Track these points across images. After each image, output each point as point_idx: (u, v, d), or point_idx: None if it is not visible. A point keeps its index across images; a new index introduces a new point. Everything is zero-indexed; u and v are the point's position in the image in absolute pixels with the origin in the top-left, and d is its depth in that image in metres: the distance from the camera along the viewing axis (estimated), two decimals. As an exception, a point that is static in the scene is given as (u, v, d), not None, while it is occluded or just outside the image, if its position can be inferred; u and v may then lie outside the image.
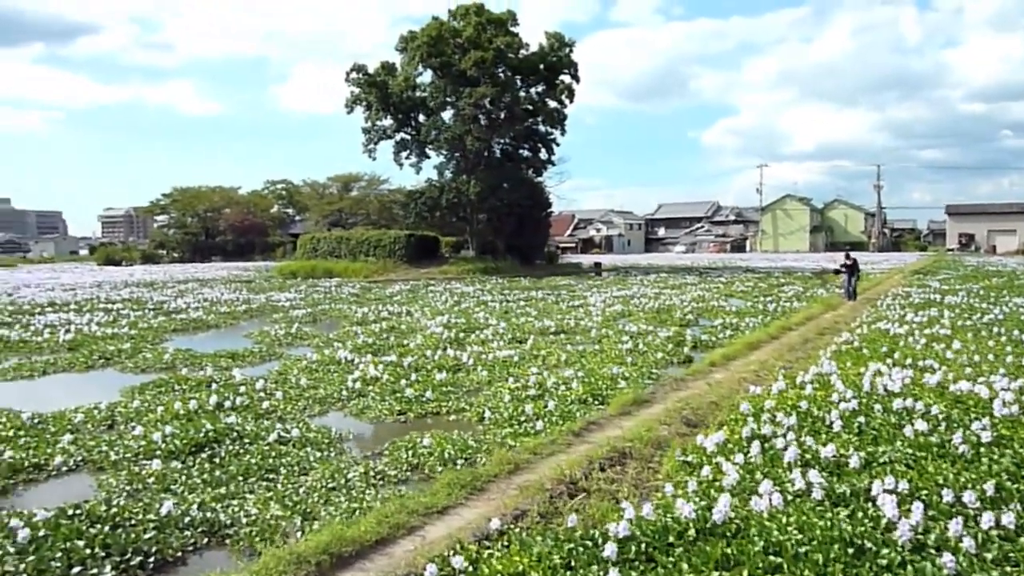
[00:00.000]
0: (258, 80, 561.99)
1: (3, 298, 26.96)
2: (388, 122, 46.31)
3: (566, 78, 46.06)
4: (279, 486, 6.23)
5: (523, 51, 44.64)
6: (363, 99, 45.25)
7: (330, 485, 6.25)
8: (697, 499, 5.42)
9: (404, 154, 46.43)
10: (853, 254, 23.82)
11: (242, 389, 9.72)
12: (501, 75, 43.14)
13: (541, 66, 45.04)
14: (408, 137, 46.59)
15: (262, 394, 9.56)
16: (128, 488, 6.27)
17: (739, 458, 6.30)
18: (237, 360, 12.95)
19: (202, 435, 7.27)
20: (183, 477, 6.42)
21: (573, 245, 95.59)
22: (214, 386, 10.13)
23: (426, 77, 46.22)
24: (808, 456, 6.36)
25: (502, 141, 44.99)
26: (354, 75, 45.17)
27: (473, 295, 26.05)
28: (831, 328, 15.67)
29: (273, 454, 6.98)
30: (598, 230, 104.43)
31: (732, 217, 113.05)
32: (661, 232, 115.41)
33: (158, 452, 6.95)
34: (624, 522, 4.76)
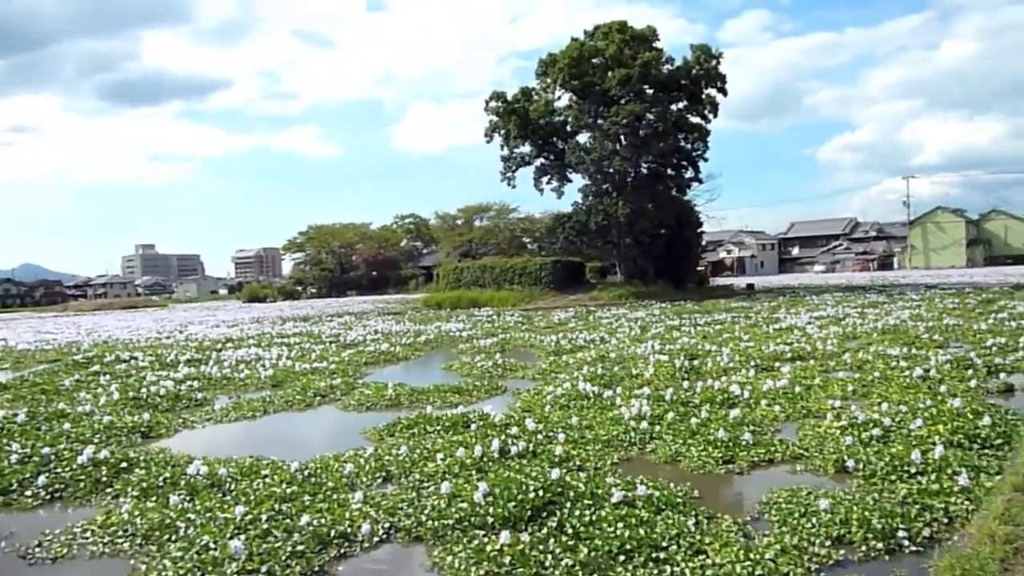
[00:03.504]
0: (374, 122, 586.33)
1: (177, 335, 27.26)
2: (527, 148, 45.45)
3: (712, 91, 43.86)
4: (687, 572, 4.55)
5: (667, 66, 42.84)
6: (502, 127, 44.55)
7: (756, 571, 4.52)
8: None
9: (545, 179, 45.38)
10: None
11: (514, 430, 8.21)
12: (646, 92, 41.40)
13: (684, 81, 43.08)
14: (547, 162, 45.55)
15: (540, 437, 8.01)
16: (480, 571, 4.77)
17: None
18: (463, 395, 11.58)
19: (532, 495, 5.72)
20: (544, 556, 4.85)
21: (702, 267, 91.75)
22: (473, 427, 8.70)
23: (562, 102, 45.24)
24: None
25: (648, 160, 43.05)
26: (493, 103, 44.56)
27: (649, 320, 24.11)
28: None
29: (634, 521, 5.33)
30: (729, 251, 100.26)
31: (873, 233, 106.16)
32: (795, 251, 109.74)
33: (489, 518, 5.44)
34: None
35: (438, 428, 8.89)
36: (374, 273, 79.92)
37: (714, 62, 43.07)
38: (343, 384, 12.88)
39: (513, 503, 5.61)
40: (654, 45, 42.81)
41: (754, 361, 13.37)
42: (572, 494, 5.81)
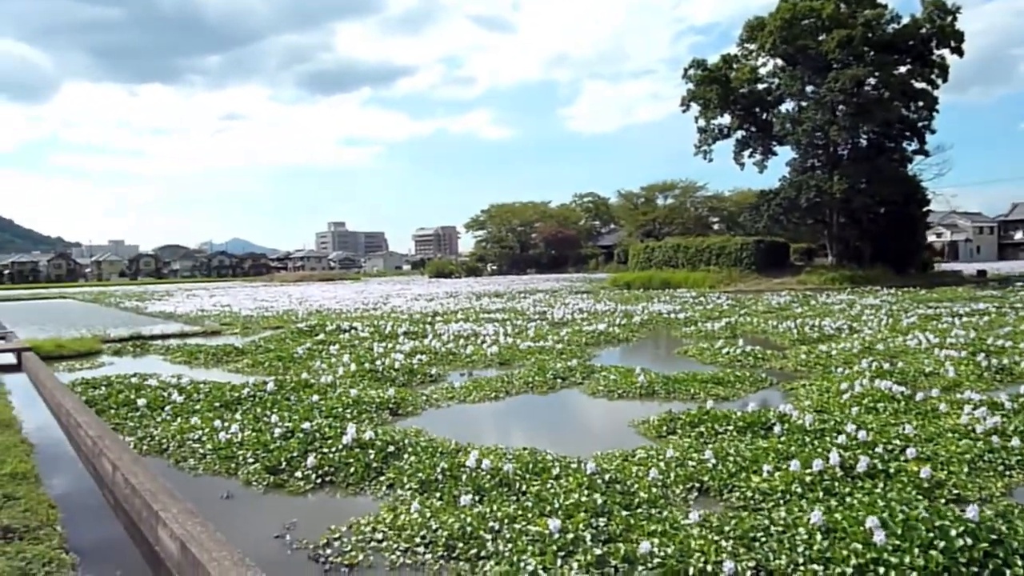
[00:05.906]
0: (548, 103, 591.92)
1: (383, 307, 27.70)
2: (726, 119, 42.74)
3: (945, 52, 38.81)
4: None
5: (892, 25, 38.35)
6: (700, 96, 42.03)
7: None
8: None
9: (747, 153, 42.48)
10: None
11: (841, 439, 6.63)
12: (867, 54, 37.18)
13: (911, 41, 38.41)
14: (748, 134, 42.55)
15: (879, 449, 6.37)
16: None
17: None
18: (727, 387, 10.09)
19: (959, 542, 4.18)
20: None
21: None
22: (776, 429, 7.21)
23: (766, 68, 42.01)
24: None
25: (866, 131, 38.82)
26: (692, 71, 42.20)
27: (891, 308, 21.24)
28: None
29: None
30: (939, 235, 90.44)
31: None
32: (1018, 236, 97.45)
33: (910, 572, 3.97)
34: None
35: (729, 427, 7.48)
36: (553, 252, 79.55)
37: (949, 18, 38.06)
38: (580, 366, 11.78)
39: (937, 552, 4.09)
40: (876, 1, 38.50)
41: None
42: (1014, 544, 4.20)
